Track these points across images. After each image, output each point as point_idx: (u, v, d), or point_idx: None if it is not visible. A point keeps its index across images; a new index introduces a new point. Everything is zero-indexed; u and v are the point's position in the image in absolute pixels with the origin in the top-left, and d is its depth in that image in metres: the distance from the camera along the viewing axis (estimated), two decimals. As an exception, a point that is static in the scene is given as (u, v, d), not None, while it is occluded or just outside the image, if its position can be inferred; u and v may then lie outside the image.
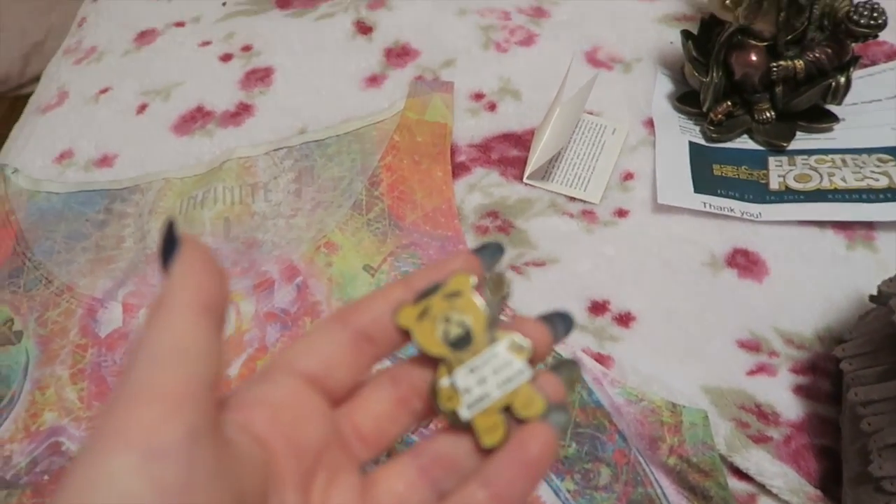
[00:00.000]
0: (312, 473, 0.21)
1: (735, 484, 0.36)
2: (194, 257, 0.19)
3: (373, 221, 0.48)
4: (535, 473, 0.21)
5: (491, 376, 0.22)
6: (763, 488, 0.36)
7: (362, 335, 0.22)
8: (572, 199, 0.50)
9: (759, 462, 0.36)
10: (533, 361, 0.22)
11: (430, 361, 0.22)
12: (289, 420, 0.21)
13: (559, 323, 0.23)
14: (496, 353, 0.22)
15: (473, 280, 0.22)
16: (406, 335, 0.22)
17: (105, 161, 0.55)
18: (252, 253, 0.47)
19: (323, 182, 0.50)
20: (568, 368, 0.23)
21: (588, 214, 0.49)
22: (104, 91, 0.60)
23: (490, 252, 0.24)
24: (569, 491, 0.36)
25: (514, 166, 0.52)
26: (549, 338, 0.23)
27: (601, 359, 0.41)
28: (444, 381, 0.22)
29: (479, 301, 0.22)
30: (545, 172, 0.51)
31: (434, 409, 0.22)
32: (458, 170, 0.51)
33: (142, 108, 0.58)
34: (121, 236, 0.49)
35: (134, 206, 0.51)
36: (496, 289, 0.23)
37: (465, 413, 0.21)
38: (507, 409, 0.21)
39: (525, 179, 0.51)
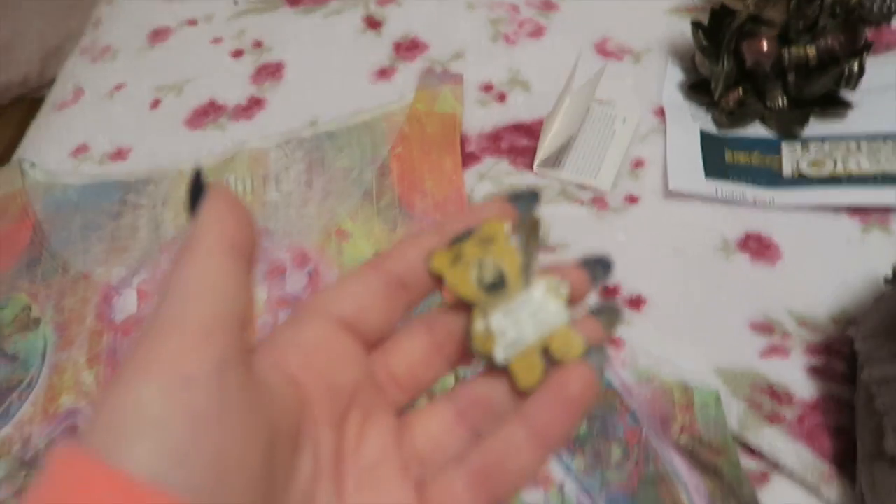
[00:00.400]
0: (347, 414, 0.21)
1: (748, 462, 0.36)
2: (221, 201, 0.19)
3: (383, 210, 0.48)
4: (576, 412, 0.20)
5: (527, 319, 0.21)
6: (776, 466, 0.36)
7: (396, 281, 0.22)
8: (583, 186, 0.50)
9: (772, 441, 0.36)
10: (571, 305, 0.21)
11: (464, 308, 0.22)
12: (322, 361, 0.21)
13: (597, 267, 0.22)
14: (532, 297, 0.21)
15: (507, 225, 0.22)
16: (439, 281, 0.22)
17: (119, 154, 0.56)
18: (264, 241, 0.47)
19: (333, 172, 0.51)
20: (608, 312, 0.22)
21: (599, 201, 0.49)
22: (119, 88, 0.61)
23: (525, 201, 0.23)
24: (580, 469, 0.36)
25: (524, 155, 0.52)
26: (587, 282, 0.22)
27: (612, 341, 0.41)
28: (479, 325, 0.21)
29: (513, 246, 0.22)
30: (555, 161, 0.51)
31: (469, 354, 0.22)
32: (468, 159, 0.52)
33: (155, 104, 0.59)
34: (135, 226, 0.49)
35: (148, 197, 0.51)
36: (531, 233, 0.22)
37: (500, 355, 0.21)
38: (545, 352, 0.21)
39: (535, 168, 0.51)
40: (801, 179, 0.48)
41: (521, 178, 0.50)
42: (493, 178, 0.51)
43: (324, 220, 0.48)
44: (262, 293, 0.45)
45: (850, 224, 0.46)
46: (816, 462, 0.35)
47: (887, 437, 0.32)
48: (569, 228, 0.47)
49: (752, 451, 0.36)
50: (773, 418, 0.38)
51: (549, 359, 0.21)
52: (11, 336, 0.44)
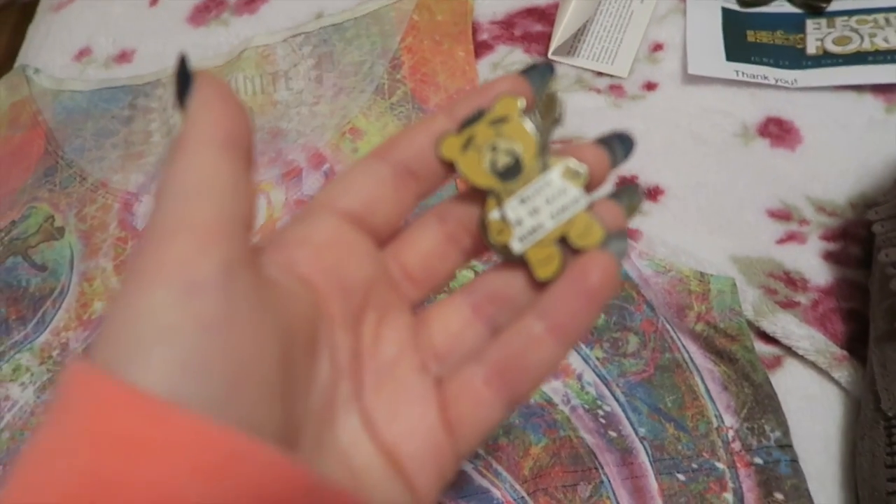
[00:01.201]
0: (362, 312, 0.20)
1: (761, 347, 0.37)
2: (210, 91, 0.18)
3: (396, 105, 0.47)
4: (596, 303, 0.19)
5: (544, 206, 0.20)
6: (789, 351, 0.37)
7: (404, 170, 0.21)
8: (599, 73, 0.48)
9: (786, 325, 0.37)
10: (590, 188, 0.20)
11: (478, 195, 0.21)
12: (333, 259, 0.20)
13: (618, 145, 0.21)
14: (549, 181, 0.20)
15: (521, 103, 0.20)
16: (450, 167, 0.21)
17: (124, 57, 0.55)
18: (277, 142, 0.47)
19: (344, 67, 0.49)
20: (629, 194, 0.21)
21: (616, 89, 0.48)
22: (115, -16, 0.59)
23: (539, 73, 0.21)
24: (598, 359, 0.37)
25: (538, 42, 0.50)
26: (607, 162, 0.21)
27: (629, 232, 0.42)
28: (494, 214, 0.20)
29: (528, 125, 0.20)
30: (570, 47, 0.49)
31: (485, 245, 0.21)
32: (481, 49, 0.50)
33: (154, 1, 0.57)
34: (148, 131, 0.49)
35: (157, 100, 0.51)
36: (547, 111, 0.21)
37: (517, 246, 0.20)
38: (563, 240, 0.20)
39: (550, 55, 0.49)
40: (825, 58, 0.46)
41: (536, 67, 0.49)
42: (506, 67, 0.49)
43: (336, 118, 0.47)
44: (279, 195, 0.45)
45: (873, 104, 0.45)
46: (829, 345, 0.36)
47: (900, 319, 0.33)
48: (585, 118, 0.46)
49: (766, 337, 0.37)
50: (788, 304, 0.38)
51: (568, 247, 0.20)
52: (38, 246, 0.45)
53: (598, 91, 0.48)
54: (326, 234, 0.20)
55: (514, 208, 0.20)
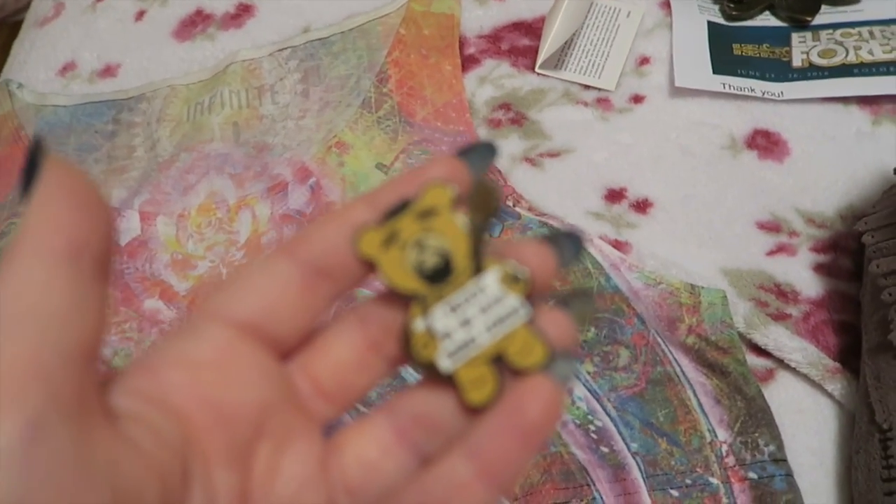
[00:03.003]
0: (252, 444, 0.17)
1: (754, 360, 0.37)
2: (55, 186, 0.14)
3: (383, 119, 0.47)
4: (534, 441, 0.17)
5: (478, 316, 0.17)
6: (782, 363, 0.36)
7: (315, 269, 0.18)
8: (586, 87, 0.48)
9: (778, 338, 0.36)
10: (532, 296, 0.18)
11: (401, 300, 0.18)
12: (213, 382, 0.17)
13: (566, 244, 0.18)
14: (484, 287, 0.17)
15: (452, 192, 0.18)
16: (370, 266, 0.18)
17: (108, 71, 0.54)
18: (263, 156, 0.47)
19: (330, 81, 0.49)
20: (580, 302, 0.18)
21: (603, 102, 0.47)
22: (100, 0, 0.59)
23: (480, 155, 0.19)
24: (588, 373, 0.37)
25: (525, 56, 0.50)
26: (552, 264, 0.18)
27: (618, 245, 0.41)
28: (419, 324, 0.17)
29: (460, 220, 0.18)
30: (558, 61, 0.49)
31: (408, 358, 0.18)
32: (468, 62, 0.50)
33: (140, 15, 0.57)
34: (131, 146, 0.48)
35: (141, 115, 0.50)
36: (483, 203, 0.18)
37: (444, 363, 0.17)
38: (499, 358, 0.17)
39: (537, 69, 0.49)
40: (810, 70, 0.47)
41: (524, 81, 0.49)
42: (493, 81, 0.49)
43: (323, 132, 0.47)
44: (265, 210, 0.44)
45: (860, 116, 0.45)
46: (821, 357, 0.36)
47: (893, 328, 0.33)
48: (573, 132, 0.46)
49: (758, 350, 0.37)
50: (779, 316, 0.38)
51: (506, 367, 0.17)
52: (18, 262, 0.44)
53: (586, 104, 0.47)
54: (209, 351, 0.17)
55: (442, 318, 0.17)
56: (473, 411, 0.17)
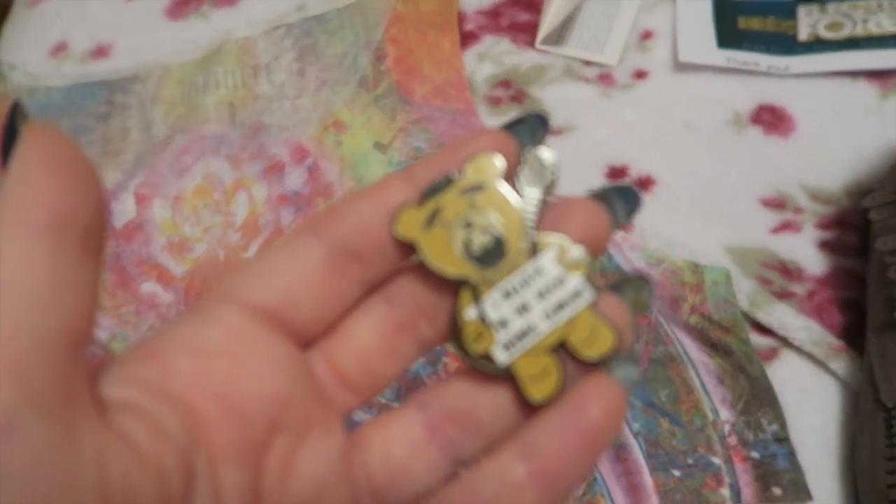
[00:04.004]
0: (265, 440, 0.16)
1: (757, 339, 0.36)
2: (37, 154, 0.13)
3: (381, 98, 0.46)
4: (595, 445, 0.15)
5: (536, 302, 0.16)
6: (785, 342, 0.36)
7: (344, 251, 0.16)
8: (588, 63, 0.47)
9: (782, 316, 0.36)
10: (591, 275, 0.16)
11: (445, 285, 0.16)
12: (224, 371, 0.15)
13: (620, 200, 0.16)
14: (541, 269, 0.16)
15: (501, 164, 0.16)
16: (409, 249, 0.16)
17: (101, 52, 0.53)
18: (260, 137, 0.46)
19: (326, 59, 0.48)
20: (636, 286, 0.16)
21: (605, 78, 0.47)
22: (92, -22, 0.58)
23: (530, 127, 0.17)
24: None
25: (525, 32, 0.49)
26: (605, 225, 0.16)
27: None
28: (470, 313, 0.16)
29: (512, 195, 0.16)
30: (559, 36, 0.48)
31: (457, 352, 0.16)
32: (467, 39, 0.49)
33: (133, -6, 0.56)
34: (125, 128, 0.48)
35: (135, 96, 0.49)
36: (537, 175, 0.16)
37: (501, 355, 0.16)
38: (562, 347, 0.16)
39: (538, 45, 0.48)
40: (817, 44, 0.46)
41: (524, 57, 0.48)
42: (493, 58, 0.48)
43: (320, 111, 0.46)
44: (262, 191, 0.44)
45: (867, 90, 0.44)
46: (826, 336, 0.36)
47: (898, 308, 0.32)
48: (575, 109, 0.45)
49: (761, 328, 0.37)
50: (784, 294, 0.37)
51: (569, 356, 0.16)
52: (14, 246, 0.44)
53: (588, 81, 0.47)
54: (221, 337, 0.16)
55: (495, 305, 0.16)
56: (526, 408, 0.16)
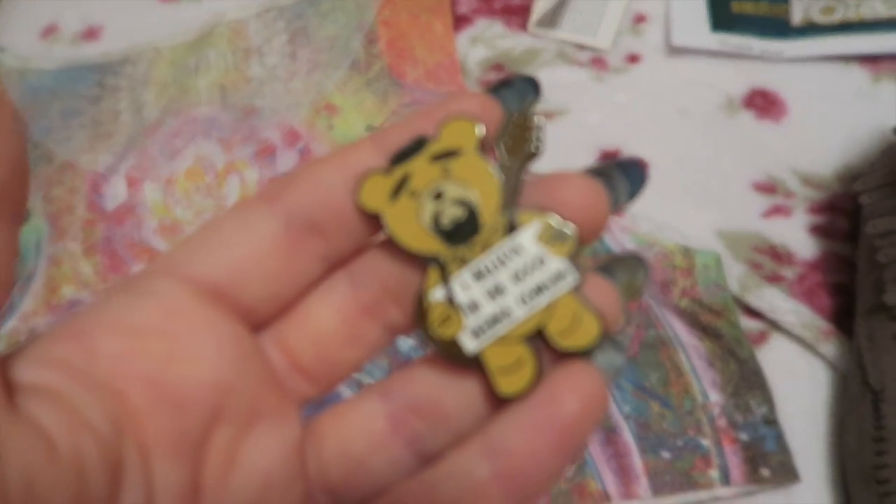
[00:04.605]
0: (206, 430, 0.14)
1: (747, 322, 0.36)
2: None
3: (372, 81, 0.46)
4: (568, 443, 0.13)
5: (511, 284, 0.14)
6: (775, 326, 0.36)
7: (303, 223, 0.14)
8: (581, 46, 0.47)
9: (772, 300, 0.36)
10: (577, 256, 0.14)
11: (412, 260, 0.15)
12: (158, 353, 0.14)
13: (621, 177, 0.14)
14: (519, 247, 0.14)
15: (479, 130, 0.14)
16: (375, 222, 0.15)
17: (92, 34, 0.53)
18: (251, 120, 0.46)
19: (318, 42, 0.48)
20: (629, 268, 0.15)
21: (598, 62, 0.46)
22: (82, -41, 0.57)
23: (517, 91, 0.15)
24: (581, 336, 0.36)
25: (518, 15, 0.49)
26: (604, 205, 0.14)
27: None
28: (437, 294, 0.14)
29: (489, 164, 0.14)
30: (551, 19, 0.48)
31: (422, 335, 0.15)
32: (460, 22, 0.49)
33: (123, -24, 0.55)
34: (116, 110, 0.48)
35: (126, 78, 0.49)
36: (518, 141, 0.15)
37: (469, 343, 0.14)
38: (537, 337, 0.14)
39: (530, 28, 0.48)
40: (810, 28, 0.46)
41: (517, 41, 0.48)
42: (486, 41, 0.48)
43: (311, 94, 0.46)
44: (253, 174, 0.44)
45: (860, 75, 0.44)
46: (815, 319, 0.36)
47: (888, 289, 0.33)
48: (568, 93, 0.45)
49: (751, 312, 0.37)
50: (774, 278, 0.38)
51: (546, 346, 0.14)
52: (5, 229, 0.44)
53: (580, 64, 0.46)
54: (156, 315, 0.14)
55: (465, 286, 0.14)
56: (496, 401, 0.14)
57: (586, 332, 0.14)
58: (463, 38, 0.48)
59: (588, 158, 0.43)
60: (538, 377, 0.14)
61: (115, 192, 0.44)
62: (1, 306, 0.13)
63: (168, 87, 0.48)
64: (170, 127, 0.46)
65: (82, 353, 0.13)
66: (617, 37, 0.47)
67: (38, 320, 0.41)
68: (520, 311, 0.14)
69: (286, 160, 0.44)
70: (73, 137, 0.47)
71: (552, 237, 0.14)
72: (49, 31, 0.54)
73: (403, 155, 0.14)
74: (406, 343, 0.35)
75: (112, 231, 0.43)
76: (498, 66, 0.47)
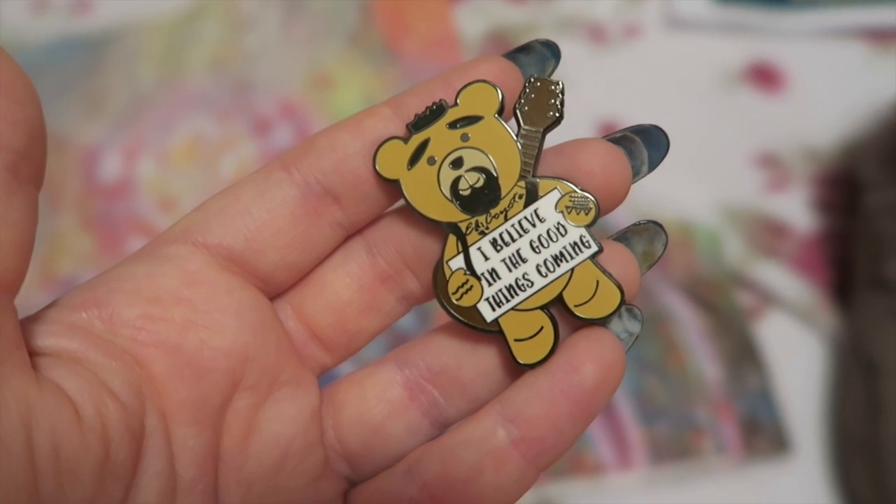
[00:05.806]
0: (226, 397, 0.14)
1: (744, 297, 0.36)
2: None
3: (369, 53, 0.45)
4: (587, 410, 0.13)
5: (530, 253, 0.14)
6: (772, 299, 0.36)
7: (319, 189, 0.14)
8: (581, 19, 0.47)
9: (770, 274, 0.36)
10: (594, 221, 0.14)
11: (430, 227, 0.14)
12: (179, 321, 0.14)
13: (642, 147, 0.14)
14: (539, 215, 0.14)
15: (499, 95, 0.14)
16: (392, 189, 0.14)
17: (83, 7, 0.52)
18: (246, 93, 0.45)
19: (314, 15, 0.47)
20: (647, 236, 0.15)
21: (597, 35, 0.46)
22: (73, -71, 0.56)
23: (538, 56, 0.15)
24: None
25: (516, -14, 0.48)
26: (625, 174, 0.14)
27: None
28: (455, 262, 0.14)
29: (509, 130, 0.14)
30: (550, -9, 0.48)
31: (440, 303, 0.14)
32: (457, -6, 0.48)
33: (115, -54, 0.54)
34: (109, 85, 0.47)
35: (119, 53, 0.48)
36: (538, 107, 0.15)
37: (488, 312, 0.14)
38: (556, 306, 0.14)
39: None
40: (811, 1, 0.45)
41: (515, 13, 0.47)
42: (484, 13, 0.47)
43: (307, 67, 0.46)
44: (249, 149, 0.43)
45: (860, 48, 0.44)
46: (812, 293, 0.36)
47: (886, 261, 0.33)
48: (567, 65, 0.45)
49: (749, 286, 0.37)
50: (772, 252, 0.38)
51: (566, 315, 0.14)
52: (-1, 204, 0.43)
53: (580, 37, 0.46)
54: (175, 282, 0.14)
55: (485, 254, 0.14)
56: (514, 370, 0.14)
57: (606, 302, 0.14)
58: (461, 11, 0.47)
59: (586, 131, 0.43)
60: (556, 346, 0.14)
61: (111, 167, 0.44)
62: (25, 270, 0.12)
63: (162, 61, 0.47)
64: (164, 101, 0.46)
65: (102, 320, 0.13)
66: (617, 9, 0.47)
67: (37, 294, 0.41)
68: (539, 280, 0.14)
69: (283, 134, 0.44)
70: (65, 113, 0.46)
71: (572, 206, 0.14)
72: (40, 5, 0.53)
73: (422, 121, 0.14)
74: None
75: (107, 206, 0.43)
76: (496, 38, 0.46)
